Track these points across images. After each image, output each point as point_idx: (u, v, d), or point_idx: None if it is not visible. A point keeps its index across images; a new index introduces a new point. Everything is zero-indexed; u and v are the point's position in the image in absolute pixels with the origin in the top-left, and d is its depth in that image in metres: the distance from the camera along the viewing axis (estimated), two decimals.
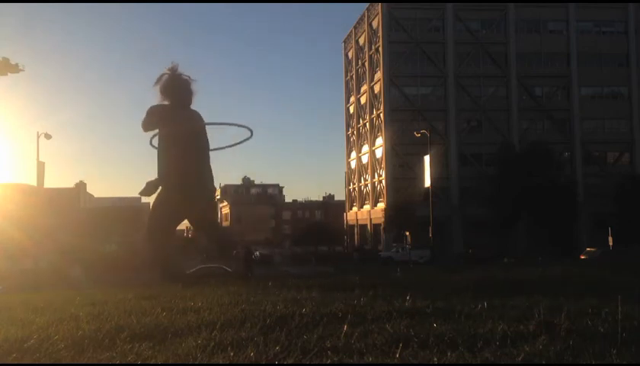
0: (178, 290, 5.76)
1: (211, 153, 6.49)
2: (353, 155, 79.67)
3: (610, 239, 45.96)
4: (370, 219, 70.69)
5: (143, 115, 6.30)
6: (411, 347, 2.69)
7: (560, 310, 3.47)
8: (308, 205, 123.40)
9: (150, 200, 6.84)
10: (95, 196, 74.69)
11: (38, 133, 39.33)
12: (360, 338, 2.90)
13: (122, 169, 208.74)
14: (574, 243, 55.16)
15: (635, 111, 68.23)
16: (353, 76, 78.67)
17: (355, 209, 78.46)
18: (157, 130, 6.41)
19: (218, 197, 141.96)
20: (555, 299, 4.08)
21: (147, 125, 6.34)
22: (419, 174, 54.06)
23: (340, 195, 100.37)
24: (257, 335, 3.06)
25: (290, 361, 2.57)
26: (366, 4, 72.32)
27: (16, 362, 2.87)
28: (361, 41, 75.72)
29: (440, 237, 52.62)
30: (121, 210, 60.86)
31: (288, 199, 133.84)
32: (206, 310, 4.12)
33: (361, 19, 75.27)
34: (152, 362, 2.69)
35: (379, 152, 68.17)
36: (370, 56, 71.50)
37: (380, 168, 67.96)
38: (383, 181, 66.63)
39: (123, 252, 46.09)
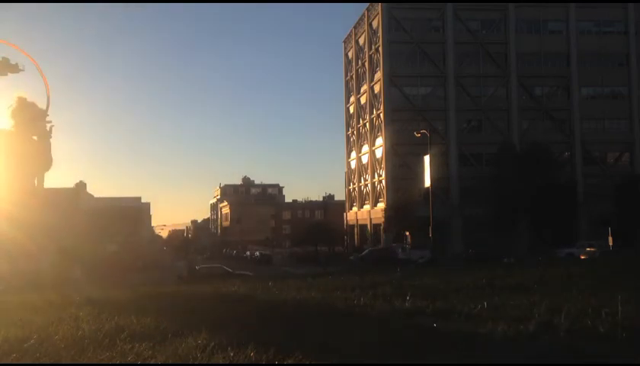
0: (178, 289, 5.77)
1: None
2: (353, 155, 79.60)
3: (610, 238, 45.95)
4: (370, 219, 70.62)
5: None
6: (410, 346, 2.70)
7: (560, 310, 3.47)
8: (308, 205, 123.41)
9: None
10: (95, 196, 74.54)
11: None
12: (360, 338, 2.90)
13: (122, 169, 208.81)
14: (574, 243, 55.10)
15: (635, 111, 68.19)
16: (353, 76, 78.60)
17: (355, 209, 78.39)
18: None
19: (218, 197, 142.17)
20: (555, 299, 4.09)
21: None
22: (419, 174, 53.95)
23: (340, 195, 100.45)
24: (257, 334, 3.06)
25: (290, 361, 2.57)
26: (366, 4, 72.28)
27: (16, 362, 2.87)
28: (361, 41, 75.66)
29: (440, 237, 52.50)
30: (121, 210, 60.75)
31: (288, 199, 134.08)
32: (207, 310, 4.12)
33: (361, 19, 75.20)
34: (151, 362, 2.69)
35: (379, 152, 68.11)
36: (370, 56, 71.44)
37: (380, 168, 67.90)
38: (383, 181, 66.58)
39: (124, 253, 46.04)
